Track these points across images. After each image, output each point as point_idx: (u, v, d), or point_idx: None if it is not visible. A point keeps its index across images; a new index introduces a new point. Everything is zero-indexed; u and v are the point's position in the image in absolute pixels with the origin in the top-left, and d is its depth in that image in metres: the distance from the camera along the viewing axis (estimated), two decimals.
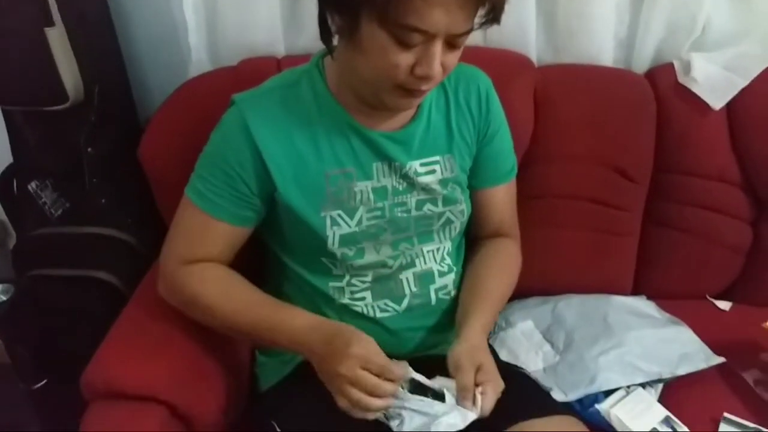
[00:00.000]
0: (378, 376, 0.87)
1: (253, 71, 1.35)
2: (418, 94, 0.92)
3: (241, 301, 1.01)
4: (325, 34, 0.94)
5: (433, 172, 1.06)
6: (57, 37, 1.23)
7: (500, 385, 0.93)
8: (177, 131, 1.26)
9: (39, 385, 1.35)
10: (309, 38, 1.40)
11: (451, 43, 0.87)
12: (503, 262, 1.16)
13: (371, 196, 1.03)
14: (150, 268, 1.29)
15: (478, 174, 1.14)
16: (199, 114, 1.26)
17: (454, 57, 0.90)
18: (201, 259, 1.03)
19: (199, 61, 1.41)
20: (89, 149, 1.37)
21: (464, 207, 1.11)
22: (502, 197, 1.18)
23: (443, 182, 1.07)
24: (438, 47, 0.85)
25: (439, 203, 1.08)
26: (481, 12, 0.85)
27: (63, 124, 1.33)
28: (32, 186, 1.38)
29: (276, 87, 1.04)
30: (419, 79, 0.88)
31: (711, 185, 1.36)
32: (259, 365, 1.16)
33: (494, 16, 0.87)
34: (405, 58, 0.85)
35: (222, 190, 1.00)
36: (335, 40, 0.96)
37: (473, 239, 1.20)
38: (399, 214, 1.05)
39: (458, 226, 1.11)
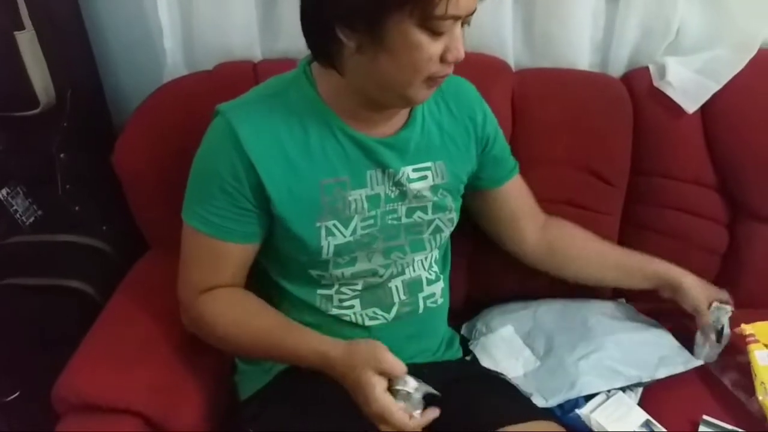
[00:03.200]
0: None
1: (229, 75, 1.34)
2: (441, 81, 0.93)
3: (254, 329, 1.00)
4: (331, 54, 0.91)
5: (424, 178, 1.05)
6: (27, 42, 1.21)
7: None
8: (152, 137, 1.24)
9: (11, 397, 1.32)
10: (286, 42, 1.40)
11: (463, 22, 0.88)
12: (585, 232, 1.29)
13: (365, 204, 1.01)
14: (125, 276, 1.27)
15: (490, 177, 1.18)
16: (175, 119, 1.25)
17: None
18: (217, 285, 1.01)
19: (174, 64, 1.39)
20: (62, 155, 1.35)
21: (454, 215, 1.10)
22: (519, 188, 1.24)
23: (434, 189, 1.06)
24: (460, 28, 0.87)
25: (429, 211, 1.07)
26: None
27: (34, 130, 1.31)
28: (3, 193, 1.35)
29: (263, 96, 1.00)
30: (449, 64, 0.89)
31: (687, 188, 1.37)
32: (239, 373, 1.14)
33: None
34: (437, 48, 0.86)
35: (224, 210, 0.96)
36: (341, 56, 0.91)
37: (522, 234, 1.26)
38: (390, 222, 1.04)
39: (447, 233, 1.11)
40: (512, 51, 1.43)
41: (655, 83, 1.35)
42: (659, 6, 1.37)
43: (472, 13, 0.87)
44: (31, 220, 1.37)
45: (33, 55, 1.22)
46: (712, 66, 1.34)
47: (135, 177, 1.25)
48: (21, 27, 1.19)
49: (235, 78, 1.32)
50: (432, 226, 1.08)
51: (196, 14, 1.36)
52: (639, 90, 1.37)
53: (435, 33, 0.84)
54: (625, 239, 1.42)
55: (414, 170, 1.04)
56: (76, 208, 1.38)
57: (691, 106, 1.32)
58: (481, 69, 1.35)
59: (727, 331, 1.22)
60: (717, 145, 1.35)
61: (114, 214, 1.39)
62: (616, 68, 1.45)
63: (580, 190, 1.37)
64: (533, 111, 1.36)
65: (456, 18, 0.84)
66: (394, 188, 1.03)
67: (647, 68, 1.40)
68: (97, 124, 1.47)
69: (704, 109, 1.34)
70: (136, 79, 1.46)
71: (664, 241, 1.40)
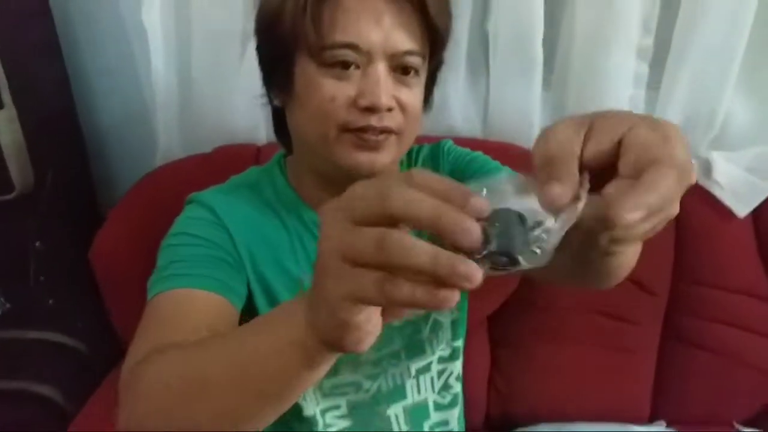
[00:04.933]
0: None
1: (229, 159, 1.22)
2: (372, 143, 0.77)
3: (208, 347, 0.61)
4: (278, 125, 0.89)
5: None
6: (5, 121, 1.09)
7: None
8: (136, 231, 1.10)
9: None
10: None
11: (399, 69, 0.76)
12: None
13: None
14: (98, 385, 1.12)
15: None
16: (165, 210, 1.09)
17: (410, 94, 0.77)
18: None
19: (168, 145, 1.27)
20: (37, 243, 1.20)
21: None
22: None
23: None
24: (380, 69, 0.74)
25: None
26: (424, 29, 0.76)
27: (7, 215, 1.16)
28: None
29: (238, 185, 0.90)
30: (365, 111, 0.75)
31: (737, 299, 1.22)
32: None
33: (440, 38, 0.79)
34: (342, 88, 0.74)
35: (202, 260, 0.78)
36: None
37: None
38: None
39: (448, 325, 0.94)
40: None
41: (700, 181, 1.23)
42: (703, 96, 1.25)
43: (404, 56, 0.75)
44: None
45: (11, 135, 1.10)
46: (765, 164, 1.21)
47: (114, 278, 1.11)
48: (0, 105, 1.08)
49: (236, 162, 1.18)
50: (430, 321, 0.92)
51: (196, 90, 1.25)
52: None
53: (336, 68, 0.74)
54: (666, 354, 1.26)
55: None
56: (50, 301, 1.23)
57: (742, 209, 1.19)
58: (503, 159, 1.23)
59: None
60: None
61: (92, 309, 1.24)
62: None
63: (615, 298, 1.22)
64: None
65: (355, 49, 0.73)
66: None
67: None
68: (81, 209, 1.33)
69: (756, 211, 1.21)
70: (127, 159, 1.34)
71: (712, 358, 1.24)
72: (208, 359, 0.56)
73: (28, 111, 1.13)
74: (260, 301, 0.83)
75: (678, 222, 1.22)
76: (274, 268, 0.84)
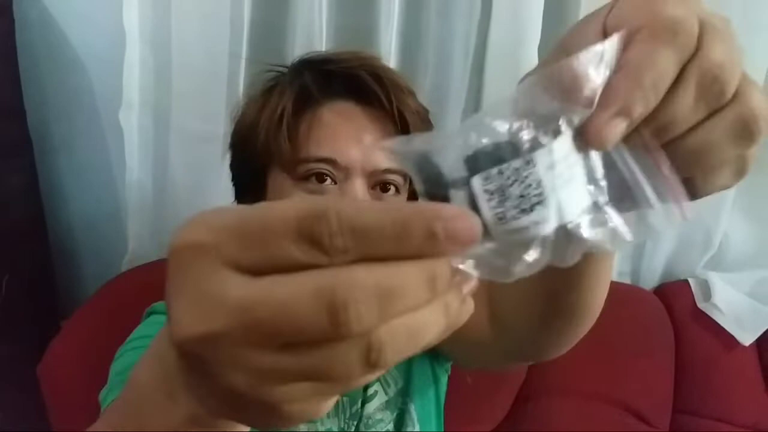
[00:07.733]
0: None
1: None
2: None
3: None
4: None
5: (374, 395, 0.81)
6: None
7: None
8: (92, 344, 1.01)
9: None
10: None
11: (379, 186, 0.71)
12: None
13: None
14: None
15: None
16: (125, 322, 1.02)
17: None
18: None
19: (138, 250, 1.19)
20: None
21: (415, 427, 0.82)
22: None
23: (390, 404, 0.82)
24: (357, 186, 0.69)
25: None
26: None
27: None
28: None
29: None
30: None
31: None
32: None
33: None
34: None
35: None
36: None
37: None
38: None
39: None
40: None
41: (699, 304, 1.16)
42: (699, 216, 1.20)
43: (384, 174, 0.70)
44: None
45: None
46: (766, 289, 1.15)
47: (61, 397, 1.01)
48: None
49: None
50: None
51: (171, 193, 1.19)
52: (679, 309, 1.18)
53: (311, 181, 0.70)
54: None
55: (364, 388, 0.81)
56: None
57: (746, 337, 1.12)
58: None
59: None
60: None
61: (39, 424, 1.13)
62: (649, 279, 1.26)
63: (612, 429, 1.12)
64: None
65: (332, 164, 0.69)
66: (350, 422, 0.80)
67: (686, 282, 1.22)
68: (41, 316, 1.24)
69: (761, 338, 1.13)
70: (94, 264, 1.26)
71: None
72: None
73: None
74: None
75: (677, 347, 1.15)
76: None
